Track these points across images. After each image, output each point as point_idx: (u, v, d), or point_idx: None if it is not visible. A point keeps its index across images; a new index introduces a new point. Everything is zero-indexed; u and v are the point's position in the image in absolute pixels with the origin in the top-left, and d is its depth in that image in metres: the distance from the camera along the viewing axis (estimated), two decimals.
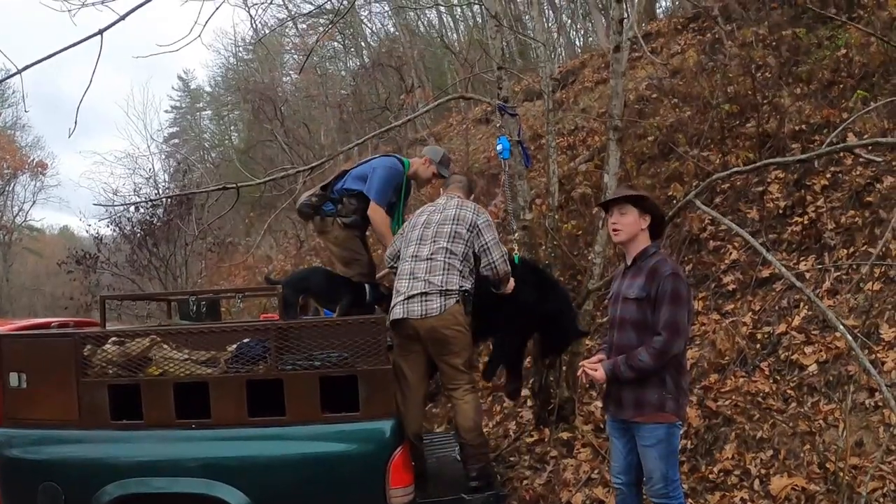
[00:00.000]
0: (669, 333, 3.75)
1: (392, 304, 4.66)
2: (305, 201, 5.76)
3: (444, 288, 4.54)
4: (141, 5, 3.28)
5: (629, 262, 4.06)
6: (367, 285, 5.36)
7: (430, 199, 6.36)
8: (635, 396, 3.88)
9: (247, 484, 4.03)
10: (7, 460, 4.33)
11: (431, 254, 4.64)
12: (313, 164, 5.15)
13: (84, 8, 4.93)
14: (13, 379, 4.37)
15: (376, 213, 5.49)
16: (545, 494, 5.48)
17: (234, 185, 4.62)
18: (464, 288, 4.63)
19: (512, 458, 6.09)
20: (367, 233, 5.88)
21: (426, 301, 4.51)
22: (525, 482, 5.67)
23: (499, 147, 5.98)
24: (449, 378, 4.73)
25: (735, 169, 4.99)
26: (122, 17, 3.12)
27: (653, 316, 3.82)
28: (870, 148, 4.12)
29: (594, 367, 3.96)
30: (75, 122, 3.54)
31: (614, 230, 4.05)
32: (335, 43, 27.91)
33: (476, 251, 4.74)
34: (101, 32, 3.05)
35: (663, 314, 3.77)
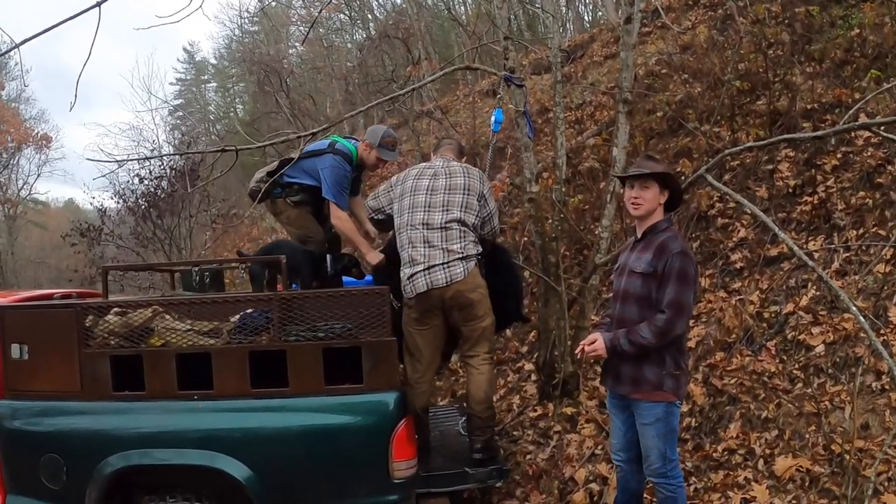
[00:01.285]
0: (673, 312, 3.71)
1: (410, 274, 4.56)
2: (254, 186, 5.63)
3: (464, 254, 4.53)
4: None
5: (639, 236, 4.01)
6: (328, 256, 5.23)
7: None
8: (633, 373, 3.85)
9: (249, 456, 4.03)
10: (9, 432, 4.33)
11: (446, 223, 4.59)
12: (315, 130, 5.04)
13: None
14: (15, 350, 4.36)
15: (340, 220, 5.29)
16: (548, 469, 5.46)
17: (234, 148, 4.54)
18: (479, 252, 4.67)
19: (515, 433, 6.08)
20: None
21: (449, 268, 4.49)
22: (528, 457, 5.66)
23: (492, 119, 5.94)
24: (471, 345, 4.73)
25: (748, 144, 4.93)
26: None
27: (657, 292, 3.77)
28: (882, 128, 4.04)
29: (593, 342, 3.90)
30: (75, 96, 3.46)
31: (634, 204, 3.96)
32: (341, 15, 27.74)
33: (482, 218, 4.77)
34: (98, 5, 2.98)
35: (669, 292, 3.73)
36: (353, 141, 5.60)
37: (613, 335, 3.84)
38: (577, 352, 4.08)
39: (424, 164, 5.04)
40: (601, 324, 4.29)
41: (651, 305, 3.80)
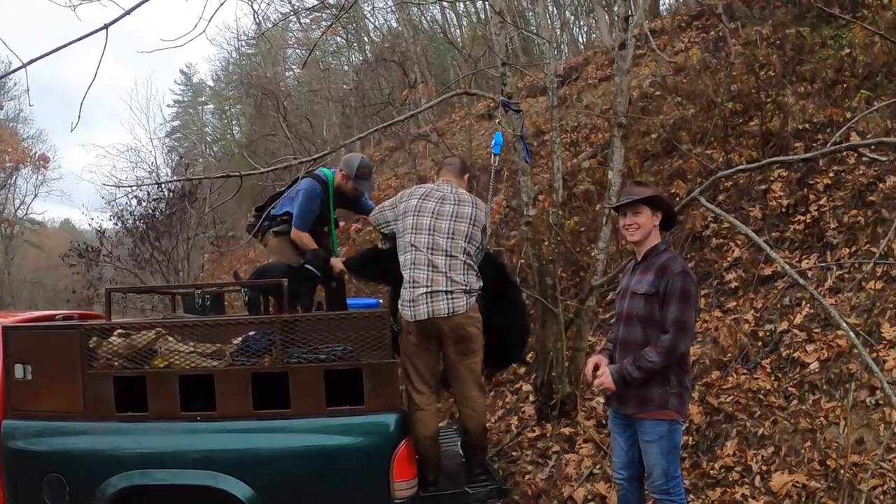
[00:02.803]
0: (677, 331, 3.77)
1: (411, 298, 4.53)
2: (249, 222, 6.02)
3: (467, 287, 4.53)
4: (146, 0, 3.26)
5: (639, 258, 4.08)
6: (307, 265, 5.29)
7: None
8: (639, 393, 3.88)
9: (252, 476, 4.05)
10: (12, 452, 4.33)
11: (451, 251, 4.56)
12: (316, 156, 5.14)
13: (89, 3, 4.92)
14: (18, 371, 4.38)
15: (300, 238, 5.55)
16: (547, 489, 5.50)
17: (238, 174, 4.62)
18: (480, 287, 4.65)
19: (514, 453, 6.11)
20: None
21: (453, 298, 4.47)
22: (527, 476, 5.69)
23: (492, 142, 5.94)
24: (465, 384, 4.69)
25: (740, 167, 5.01)
26: (128, 12, 3.10)
27: (660, 312, 3.84)
28: (874, 147, 4.13)
29: (596, 367, 3.98)
30: (78, 118, 3.52)
31: (629, 230, 4.05)
32: (338, 38, 27.89)
33: (480, 249, 4.79)
34: (106, 27, 3.02)
35: (671, 312, 3.79)
36: (333, 168, 5.82)
37: (620, 366, 3.88)
38: (586, 374, 4.10)
39: (432, 185, 5.00)
40: (604, 349, 4.34)
41: (654, 325, 3.86)
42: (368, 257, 5.31)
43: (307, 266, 5.23)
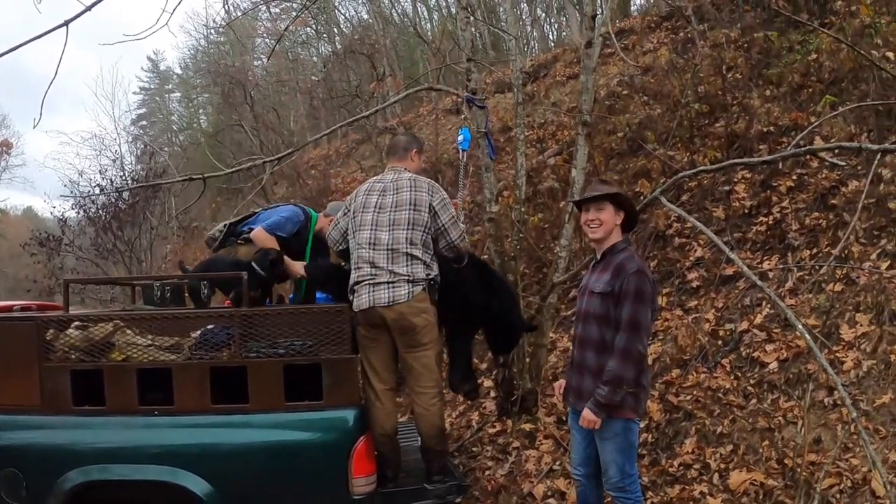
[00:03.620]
0: (630, 332, 3.77)
1: (355, 288, 4.49)
2: (211, 234, 5.89)
3: (410, 277, 4.43)
4: None
5: (598, 257, 4.09)
6: (252, 263, 5.03)
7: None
8: (595, 390, 3.86)
9: (209, 472, 4.01)
10: None
11: (393, 245, 4.46)
12: (280, 155, 5.12)
13: None
14: None
15: (260, 236, 5.42)
16: (507, 485, 5.51)
17: (201, 176, 4.57)
18: (430, 276, 4.53)
19: (474, 449, 6.12)
20: None
21: (394, 287, 4.38)
22: (487, 472, 5.71)
23: (460, 137, 5.88)
24: (415, 378, 4.58)
25: (702, 168, 5.06)
26: (88, 9, 3.06)
27: (615, 311, 3.84)
28: (836, 152, 4.19)
29: (582, 420, 3.89)
30: (40, 113, 3.46)
31: (591, 227, 4.03)
32: (308, 28, 27.71)
33: (433, 234, 4.62)
34: (66, 24, 2.99)
35: (625, 311, 3.79)
36: (313, 212, 5.85)
37: (593, 398, 3.81)
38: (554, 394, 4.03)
39: (375, 178, 4.89)
40: (562, 372, 4.33)
41: (610, 324, 3.86)
42: (331, 272, 5.25)
43: (252, 265, 5.11)
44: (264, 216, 5.65)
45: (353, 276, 4.54)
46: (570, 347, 4.31)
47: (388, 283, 4.40)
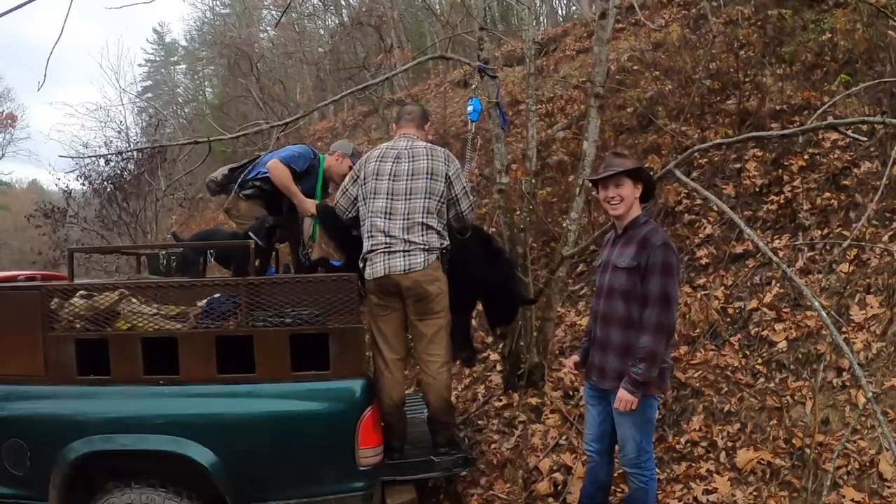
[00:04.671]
0: (661, 306, 3.70)
1: (369, 256, 4.49)
2: (212, 177, 5.78)
3: (426, 245, 4.44)
4: None
5: (620, 231, 4.01)
6: (250, 233, 5.04)
7: None
8: (619, 367, 3.83)
9: (215, 442, 3.97)
10: None
11: (409, 213, 4.46)
12: (287, 120, 5.06)
13: None
14: None
15: (276, 167, 5.37)
16: (512, 459, 5.49)
17: (206, 140, 4.52)
18: (443, 245, 4.54)
19: (480, 422, 6.10)
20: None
21: (409, 256, 4.39)
22: (493, 446, 5.69)
23: (469, 108, 5.78)
24: (425, 346, 4.60)
25: (717, 141, 4.96)
26: None
27: (642, 286, 3.77)
28: (853, 126, 4.11)
29: (618, 403, 3.79)
30: (44, 76, 3.41)
31: (613, 204, 3.96)
32: (314, 0, 27.52)
33: (448, 201, 4.63)
34: None
35: (654, 286, 3.72)
36: (320, 153, 5.80)
37: (626, 377, 3.74)
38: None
39: (387, 144, 4.83)
40: (579, 347, 4.30)
41: (636, 300, 3.80)
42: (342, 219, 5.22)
43: (250, 234, 5.07)
44: (267, 158, 5.59)
45: (367, 245, 4.52)
46: (590, 324, 4.24)
47: (403, 251, 4.40)
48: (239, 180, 5.57)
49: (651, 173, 3.97)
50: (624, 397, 3.75)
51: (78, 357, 4.18)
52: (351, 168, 5.22)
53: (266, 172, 5.46)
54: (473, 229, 5.05)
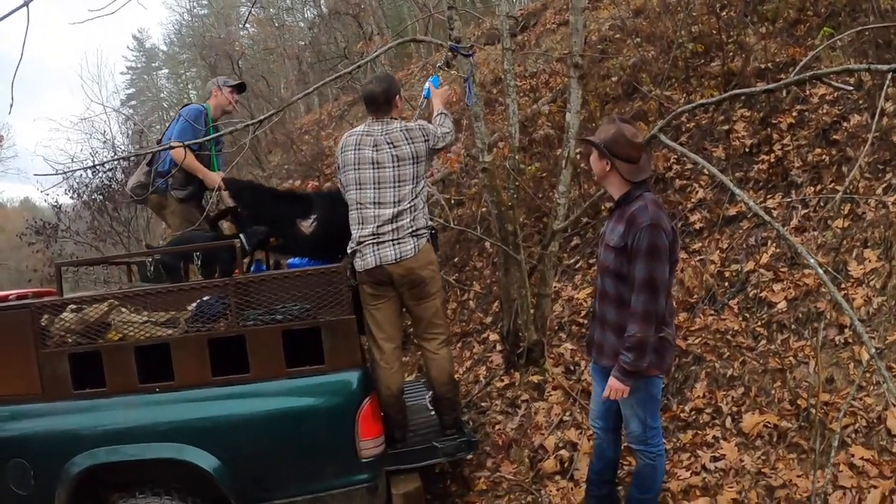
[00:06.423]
0: (647, 292, 3.56)
1: (358, 248, 4.47)
2: (135, 183, 5.79)
3: (413, 229, 4.45)
4: None
5: (614, 205, 3.92)
6: (241, 236, 4.86)
7: None
8: (617, 345, 3.74)
9: (215, 445, 3.97)
10: None
11: (399, 201, 4.44)
12: (263, 118, 4.97)
13: None
14: None
15: (177, 155, 5.37)
16: (517, 438, 5.47)
17: (181, 144, 4.47)
18: (430, 226, 4.57)
19: (483, 404, 6.07)
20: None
21: (399, 244, 4.40)
22: (497, 427, 5.67)
23: (426, 85, 5.58)
24: (424, 326, 4.66)
25: (699, 102, 4.88)
26: None
27: (629, 268, 3.65)
28: (840, 79, 4.04)
29: (608, 391, 3.74)
30: (12, 98, 3.38)
31: (595, 174, 3.98)
32: None
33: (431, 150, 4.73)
34: (26, 4, 2.87)
35: (640, 270, 3.58)
36: (202, 103, 5.93)
37: (617, 367, 3.66)
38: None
39: (360, 129, 4.69)
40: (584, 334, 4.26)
41: (624, 281, 3.69)
42: (254, 187, 5.14)
43: (241, 238, 4.99)
44: (167, 134, 5.73)
45: (355, 236, 4.50)
46: (592, 299, 4.21)
47: (392, 240, 4.40)
48: (161, 173, 5.61)
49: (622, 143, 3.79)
50: (614, 385, 3.69)
51: (73, 371, 4.16)
52: (232, 93, 5.85)
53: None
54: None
